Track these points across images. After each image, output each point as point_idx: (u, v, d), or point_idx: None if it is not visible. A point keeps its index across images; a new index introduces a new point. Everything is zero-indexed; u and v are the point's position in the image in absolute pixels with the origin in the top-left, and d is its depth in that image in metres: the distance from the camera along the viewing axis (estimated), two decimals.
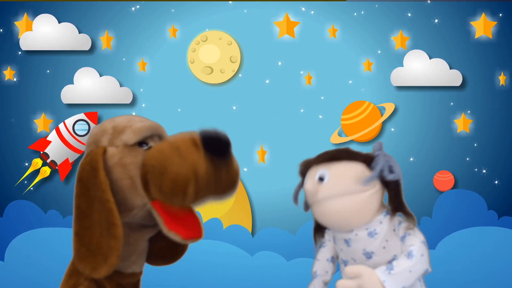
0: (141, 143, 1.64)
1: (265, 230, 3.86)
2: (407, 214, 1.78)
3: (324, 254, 1.92)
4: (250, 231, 3.88)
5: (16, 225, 3.78)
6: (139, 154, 1.61)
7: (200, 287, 3.21)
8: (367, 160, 1.79)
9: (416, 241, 1.72)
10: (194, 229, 1.62)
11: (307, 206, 1.85)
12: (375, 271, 1.68)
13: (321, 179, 1.75)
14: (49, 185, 3.94)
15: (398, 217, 1.79)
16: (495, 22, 3.94)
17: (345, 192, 1.73)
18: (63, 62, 3.96)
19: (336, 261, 1.91)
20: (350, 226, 1.76)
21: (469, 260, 3.56)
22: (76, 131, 3.86)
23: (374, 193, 1.76)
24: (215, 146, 1.53)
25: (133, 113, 3.89)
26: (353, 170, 1.76)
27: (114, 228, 1.57)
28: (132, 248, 1.68)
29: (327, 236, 1.92)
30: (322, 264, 1.91)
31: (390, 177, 1.75)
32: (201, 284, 3.21)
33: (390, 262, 1.72)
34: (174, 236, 1.59)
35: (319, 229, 1.93)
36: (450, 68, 3.93)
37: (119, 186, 1.60)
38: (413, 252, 1.70)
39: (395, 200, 1.78)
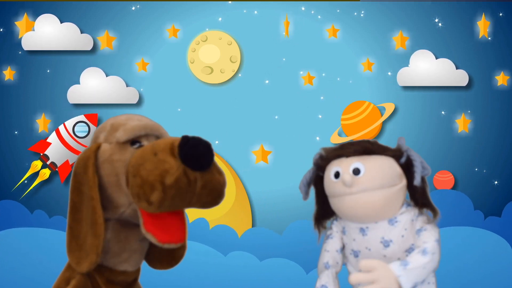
0: (133, 142, 1.64)
1: (251, 230, 3.84)
2: (433, 209, 1.82)
3: (333, 245, 1.91)
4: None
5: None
6: (128, 152, 1.62)
7: (170, 285, 3.20)
8: (396, 155, 1.82)
9: (431, 238, 1.75)
10: (174, 233, 1.60)
11: (307, 194, 1.89)
12: (390, 266, 1.68)
13: (356, 171, 1.76)
14: (48, 188, 3.93)
15: (424, 209, 1.83)
16: (495, 22, 3.94)
17: (379, 186, 1.75)
18: (63, 62, 3.96)
19: (343, 253, 1.92)
20: (377, 219, 1.78)
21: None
22: (76, 133, 3.86)
23: (402, 187, 1.80)
24: (191, 157, 1.50)
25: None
26: (386, 164, 1.79)
27: (96, 226, 1.58)
28: (123, 245, 1.68)
29: (335, 227, 1.92)
30: (332, 255, 1.90)
31: (424, 172, 1.80)
32: (171, 283, 3.19)
33: (407, 251, 1.76)
34: (151, 238, 1.57)
35: (321, 219, 1.93)
36: (457, 68, 3.92)
37: (106, 182, 1.62)
38: (427, 250, 1.72)
39: (422, 195, 1.82)
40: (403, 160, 1.81)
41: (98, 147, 1.65)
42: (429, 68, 3.92)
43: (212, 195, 1.56)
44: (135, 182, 1.53)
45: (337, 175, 1.79)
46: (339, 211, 1.83)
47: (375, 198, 1.75)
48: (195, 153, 1.51)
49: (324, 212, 1.91)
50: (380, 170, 1.76)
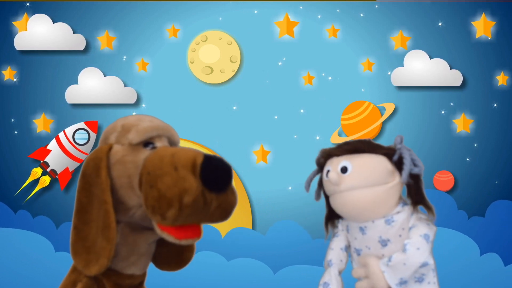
0: (146, 143, 1.64)
1: (235, 230, 3.83)
2: (427, 207, 1.83)
3: (338, 243, 1.95)
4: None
5: None
6: (141, 154, 1.60)
7: None
8: (389, 153, 1.83)
9: (415, 234, 1.78)
10: (190, 229, 1.59)
11: (319, 195, 1.91)
12: (379, 262, 1.78)
13: (343, 170, 1.79)
14: (48, 195, 3.94)
15: (418, 207, 1.84)
16: (495, 22, 3.94)
17: (368, 184, 1.78)
18: (58, 62, 3.95)
19: (349, 251, 1.95)
20: (369, 217, 1.81)
21: None
22: (76, 140, 3.86)
23: (394, 186, 1.81)
24: (213, 179, 1.50)
25: (133, 113, 3.89)
26: (375, 162, 1.81)
27: (108, 230, 1.57)
28: (131, 248, 1.67)
29: (340, 226, 1.95)
30: (336, 253, 1.94)
31: (414, 170, 1.81)
32: None
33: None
34: (167, 236, 1.57)
35: (331, 219, 1.96)
36: (451, 68, 3.93)
37: (118, 184, 1.60)
38: (407, 246, 1.76)
39: (416, 193, 1.83)
40: (395, 158, 1.82)
41: (109, 148, 1.63)
42: (423, 68, 3.92)
43: (223, 214, 1.56)
44: (151, 193, 1.52)
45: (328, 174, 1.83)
46: (335, 209, 1.87)
47: (363, 196, 1.77)
48: (217, 177, 1.51)
49: (331, 212, 1.93)
50: (367, 168, 1.79)
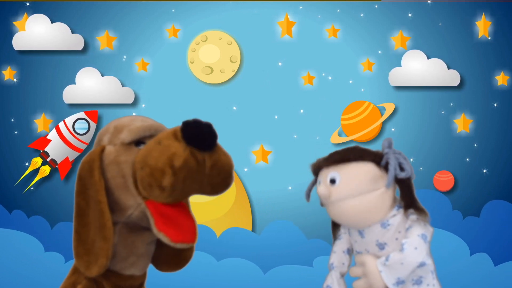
0: (138, 142, 1.64)
1: (230, 230, 3.82)
2: (419, 210, 1.82)
3: (340, 246, 1.96)
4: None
5: None
6: (134, 153, 1.61)
7: None
8: (377, 158, 1.83)
9: (413, 234, 1.78)
10: (186, 233, 1.60)
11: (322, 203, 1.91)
12: (376, 261, 1.79)
13: (332, 181, 1.80)
14: (45, 193, 3.94)
15: (410, 210, 1.84)
16: (492, 22, 3.94)
17: (357, 192, 1.77)
18: (57, 62, 3.95)
19: (352, 253, 1.96)
20: (365, 224, 1.81)
21: None
22: (76, 130, 3.86)
23: (385, 191, 1.80)
24: (195, 137, 1.53)
25: (133, 114, 3.89)
26: (363, 170, 1.80)
27: (104, 229, 1.58)
28: (130, 249, 1.67)
29: (343, 229, 1.96)
30: (338, 256, 1.95)
31: (401, 175, 1.79)
32: None
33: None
34: (163, 237, 1.57)
35: (336, 224, 1.97)
36: (448, 68, 3.93)
37: (113, 184, 1.61)
38: (404, 246, 1.77)
39: (407, 196, 1.83)
40: (383, 163, 1.82)
41: (102, 150, 1.64)
42: (421, 68, 3.92)
43: (221, 175, 1.57)
44: (144, 173, 1.54)
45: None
46: (332, 219, 1.89)
47: (354, 205, 1.78)
48: (199, 133, 1.54)
49: None
50: (355, 177, 1.79)
